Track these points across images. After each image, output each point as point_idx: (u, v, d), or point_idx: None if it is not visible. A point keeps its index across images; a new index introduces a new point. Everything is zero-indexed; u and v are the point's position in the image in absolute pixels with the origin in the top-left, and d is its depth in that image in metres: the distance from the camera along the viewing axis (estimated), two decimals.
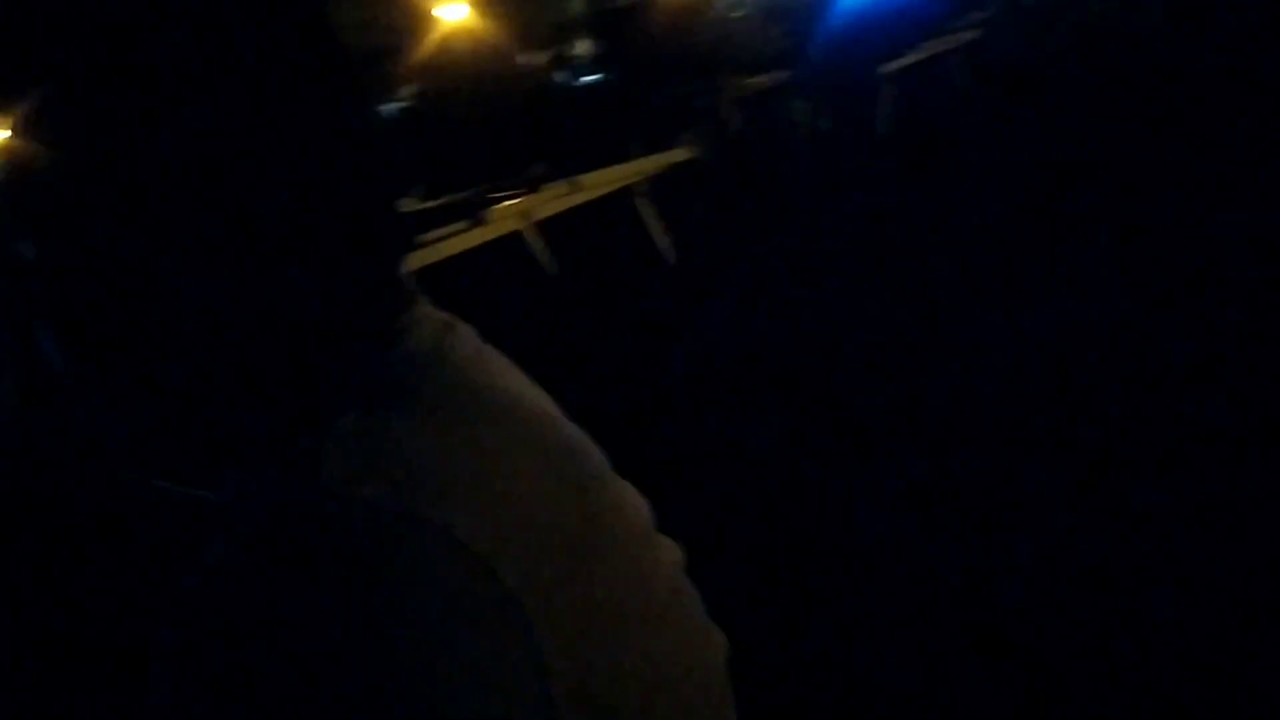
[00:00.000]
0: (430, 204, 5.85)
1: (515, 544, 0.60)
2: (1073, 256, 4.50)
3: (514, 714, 0.60)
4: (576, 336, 4.52)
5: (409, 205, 5.74)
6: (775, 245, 6.11)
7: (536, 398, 0.75)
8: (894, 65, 9.98)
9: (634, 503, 0.77)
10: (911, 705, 2.10)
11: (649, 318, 5.15)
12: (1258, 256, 3.90)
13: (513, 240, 5.56)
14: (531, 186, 5.75)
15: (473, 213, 5.23)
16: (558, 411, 0.75)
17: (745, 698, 0.81)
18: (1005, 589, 2.36)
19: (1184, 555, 2.36)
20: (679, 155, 6.53)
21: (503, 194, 5.65)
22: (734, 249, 6.30)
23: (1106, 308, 3.88)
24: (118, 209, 0.62)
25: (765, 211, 7.20)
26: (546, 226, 6.06)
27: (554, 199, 5.77)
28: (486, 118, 8.85)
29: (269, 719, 0.57)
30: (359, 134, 0.66)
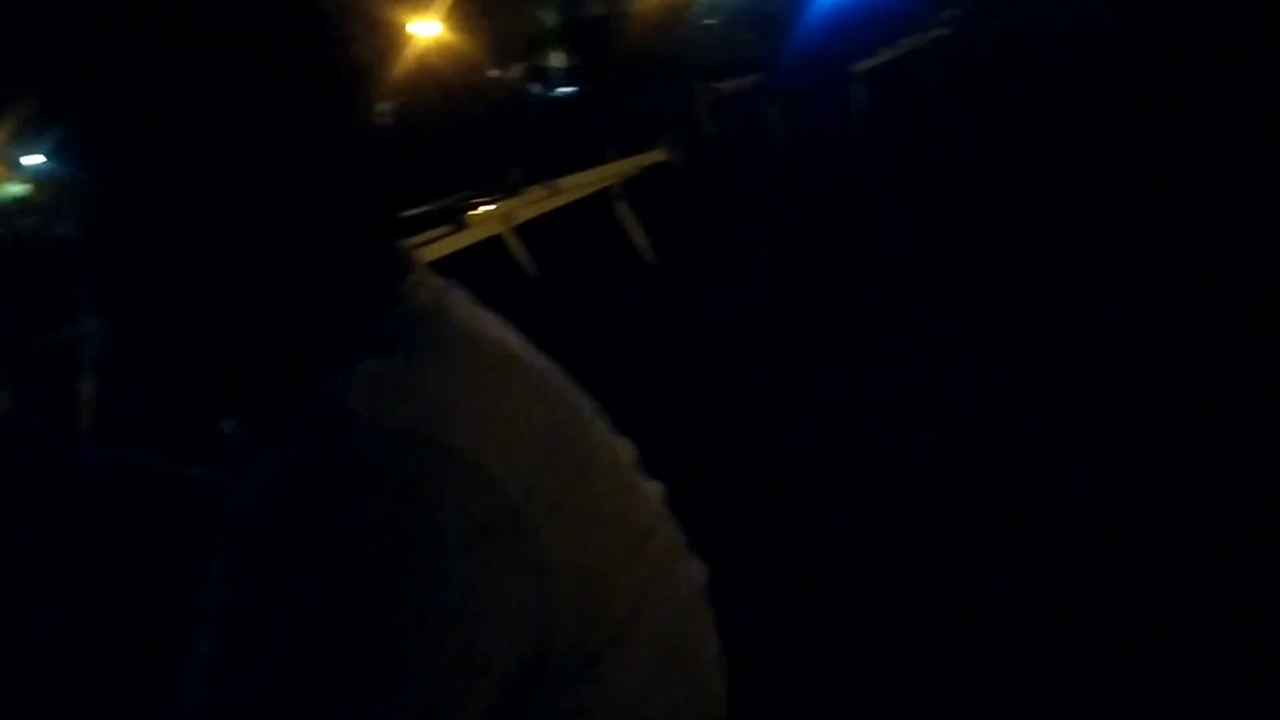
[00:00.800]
0: (410, 211, 5.93)
1: (519, 463, 0.70)
2: (1047, 254, 4.58)
3: (519, 613, 0.69)
4: (558, 337, 4.55)
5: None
6: (750, 244, 6.19)
7: (528, 348, 0.83)
8: (864, 64, 10.09)
9: (620, 440, 0.86)
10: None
11: (629, 317, 5.22)
12: (1215, 248, 4.01)
13: (493, 244, 5.63)
14: (510, 191, 5.83)
15: (453, 219, 5.31)
16: (547, 361, 0.84)
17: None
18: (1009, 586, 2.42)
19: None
20: (654, 158, 6.63)
21: (482, 200, 5.73)
22: (711, 248, 6.37)
23: (1082, 303, 3.96)
24: (154, 198, 0.71)
25: (740, 211, 7.29)
26: (526, 230, 6.14)
27: (532, 203, 5.86)
28: (463, 128, 8.94)
29: (305, 629, 0.65)
30: (359, 127, 0.76)
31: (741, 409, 3.67)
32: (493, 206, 5.65)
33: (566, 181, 5.99)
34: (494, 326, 0.82)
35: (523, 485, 0.69)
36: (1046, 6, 10.38)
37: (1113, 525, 2.55)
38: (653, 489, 0.87)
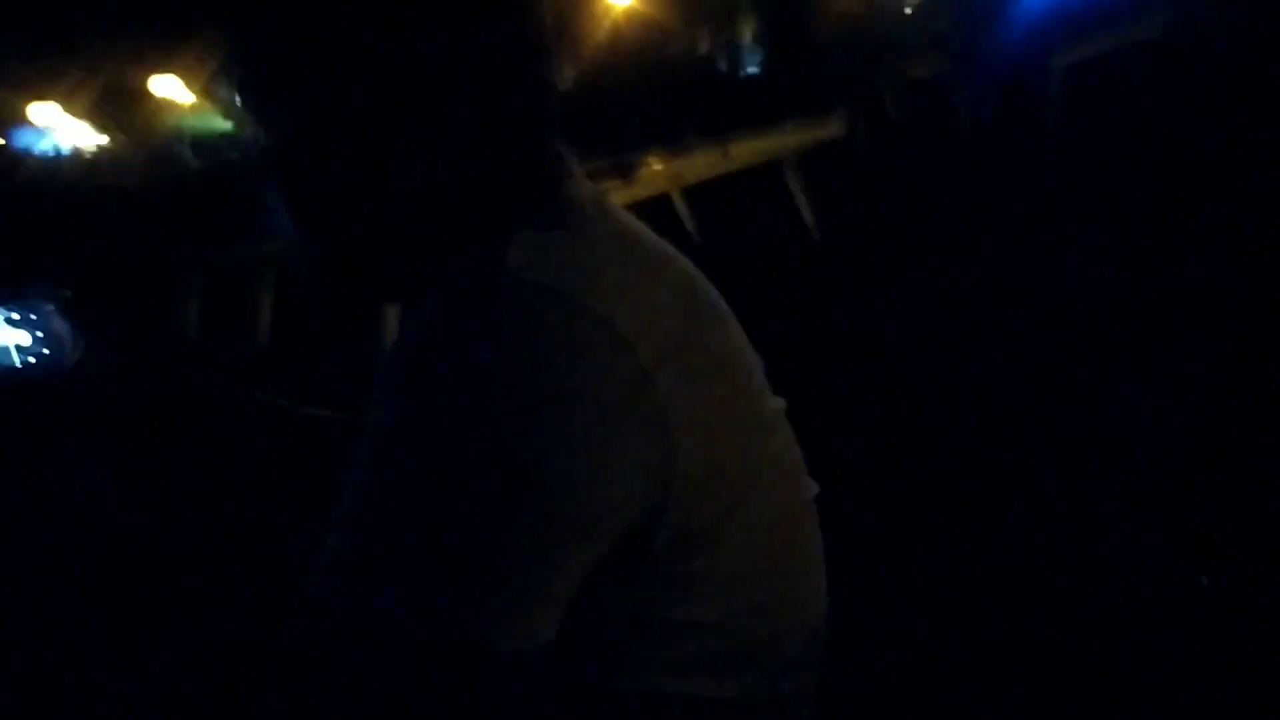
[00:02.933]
0: (585, 165, 6.05)
1: (655, 335, 0.76)
2: (1248, 260, 4.29)
3: (640, 467, 0.75)
4: None
5: None
6: (919, 230, 6.05)
7: (678, 254, 0.90)
8: (1067, 58, 9.72)
9: (752, 350, 0.91)
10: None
11: (784, 288, 5.19)
12: None
13: (661, 204, 5.70)
14: (682, 149, 5.89)
15: (623, 172, 5.40)
16: (695, 269, 0.90)
17: None
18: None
19: None
20: (830, 132, 6.55)
21: (654, 157, 5.80)
22: (877, 230, 6.27)
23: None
24: (357, 114, 0.81)
25: (914, 196, 7.13)
26: (694, 192, 6.18)
27: (702, 165, 5.90)
28: (645, 91, 9.07)
29: (441, 445, 0.72)
30: (535, 51, 0.85)
31: (887, 394, 3.63)
32: (661, 166, 5.71)
33: (738, 147, 6.00)
34: (645, 229, 0.89)
35: (656, 354, 0.75)
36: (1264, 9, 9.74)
37: None
38: (776, 401, 0.92)
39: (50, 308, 1.13)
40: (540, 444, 0.71)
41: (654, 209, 5.38)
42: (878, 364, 3.99)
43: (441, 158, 0.82)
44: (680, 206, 6.00)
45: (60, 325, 1.14)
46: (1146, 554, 2.38)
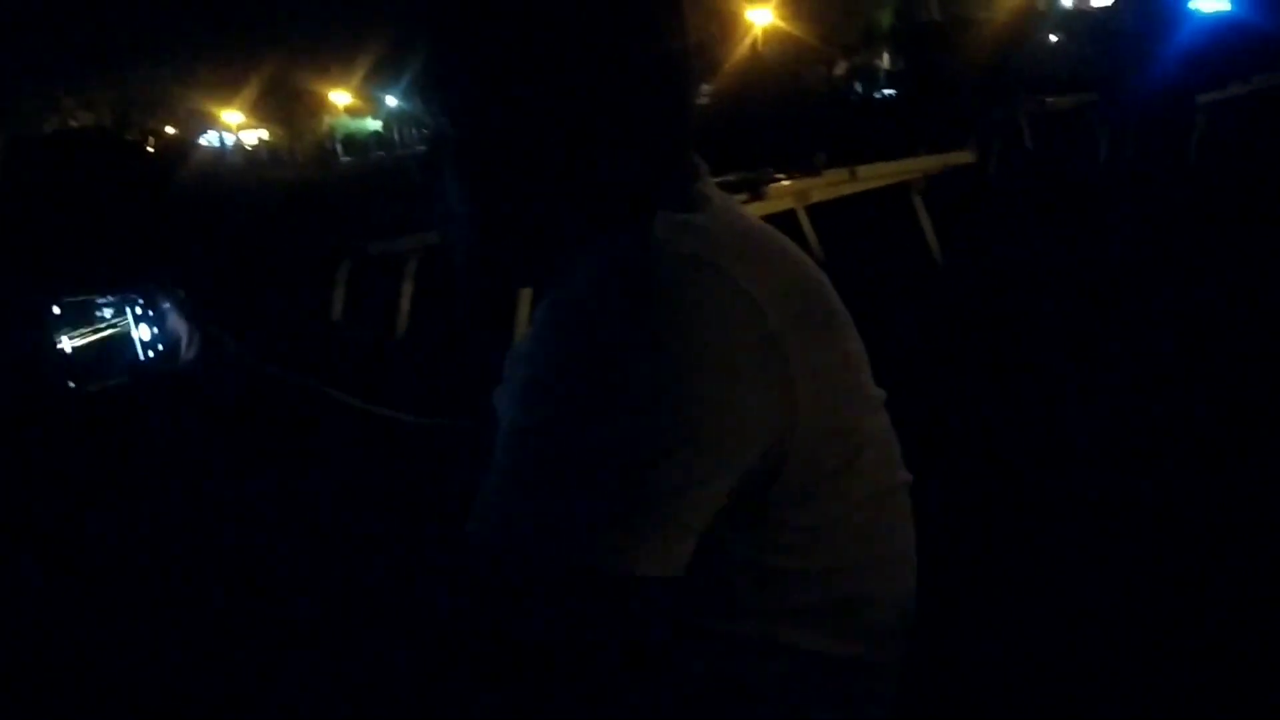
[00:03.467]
0: (715, 179, 6.20)
1: (779, 302, 0.86)
2: None
3: (764, 417, 0.84)
4: None
5: None
6: (1047, 262, 5.97)
7: (791, 243, 1.01)
8: (1211, 96, 9.48)
9: (859, 340, 1.00)
10: None
11: (905, 312, 5.19)
12: None
13: (787, 221, 5.76)
14: (811, 171, 5.98)
15: (752, 188, 5.52)
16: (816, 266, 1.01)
17: None
18: None
19: None
20: (961, 158, 6.55)
21: (782, 175, 5.91)
22: (1003, 259, 6.21)
23: None
24: (518, 122, 0.92)
25: (1043, 228, 7.06)
26: (821, 211, 6.25)
27: (829, 184, 5.98)
28: (779, 111, 9.14)
29: (589, 389, 0.81)
30: (677, 66, 0.96)
31: (1005, 423, 3.59)
32: (790, 182, 5.81)
33: (866, 169, 6.06)
34: (766, 225, 1.01)
35: (782, 320, 0.85)
36: None
37: None
38: (878, 390, 1.01)
39: (167, 305, 1.15)
40: (683, 391, 0.80)
41: (779, 224, 5.42)
42: (995, 390, 3.97)
43: (592, 153, 0.92)
44: (805, 223, 6.11)
45: (177, 323, 1.15)
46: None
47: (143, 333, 1.11)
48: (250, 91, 49.01)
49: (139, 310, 1.11)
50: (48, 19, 53.90)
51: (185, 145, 47.20)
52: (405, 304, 5.91)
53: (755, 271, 0.86)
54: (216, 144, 56.33)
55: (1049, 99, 11.25)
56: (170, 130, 50.17)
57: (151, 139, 43.81)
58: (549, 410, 0.83)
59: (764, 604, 0.91)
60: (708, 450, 0.82)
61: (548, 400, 0.83)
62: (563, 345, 0.84)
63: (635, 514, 0.81)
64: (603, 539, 0.80)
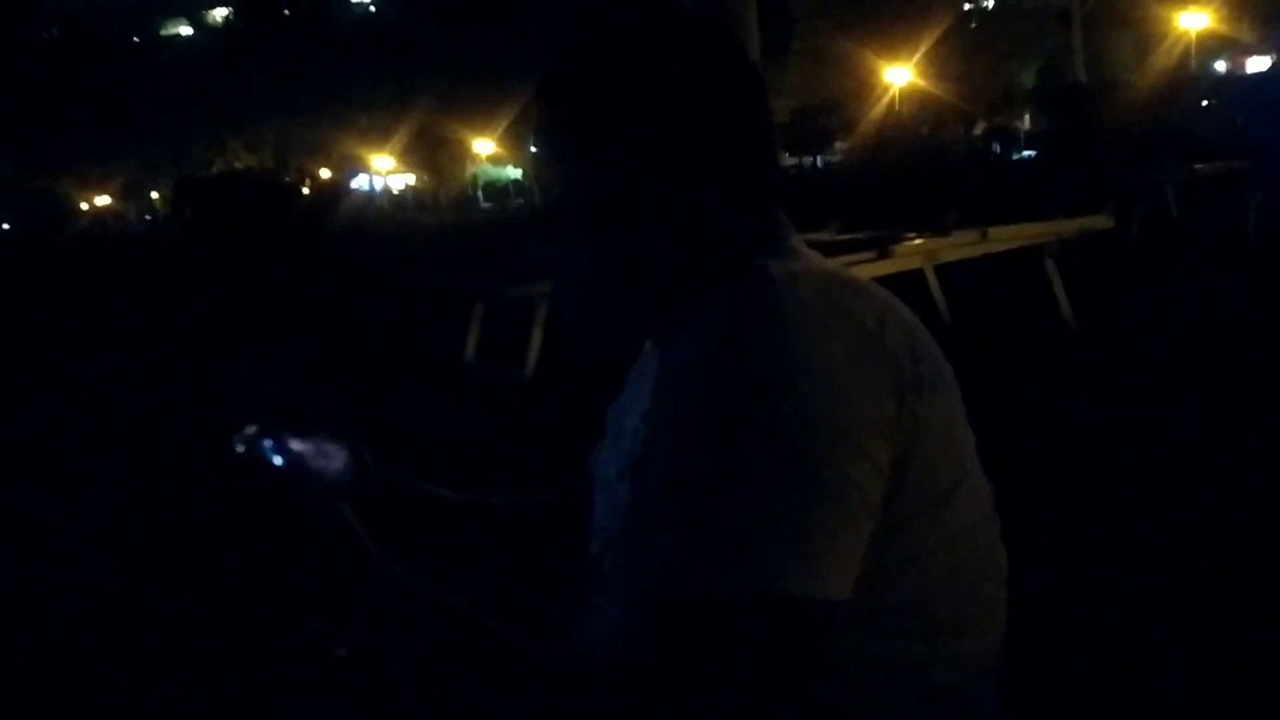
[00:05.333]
0: (842, 236, 6.24)
1: (892, 330, 0.94)
2: None
3: (887, 435, 0.90)
4: (961, 384, 4.45)
5: (824, 235, 6.14)
6: (1186, 331, 5.78)
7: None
8: None
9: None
10: None
11: (1033, 376, 5.10)
12: None
13: (914, 280, 5.73)
14: (940, 231, 5.96)
15: (881, 246, 5.53)
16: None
17: None
18: None
19: None
20: (1099, 223, 6.42)
21: (911, 234, 5.90)
22: (1139, 327, 6.04)
23: None
24: (630, 183, 1.00)
25: (1184, 296, 6.83)
26: (950, 272, 6.19)
27: (959, 245, 5.94)
28: (915, 170, 9.09)
29: (760, 440, 0.86)
30: (765, 130, 1.05)
31: (1133, 502, 3.48)
32: (919, 242, 5.80)
33: (998, 231, 6.00)
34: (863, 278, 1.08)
35: (897, 345, 0.93)
36: None
37: None
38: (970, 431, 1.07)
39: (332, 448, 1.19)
40: (832, 419, 0.87)
41: (905, 284, 5.40)
42: (1123, 463, 3.86)
43: (700, 210, 1.00)
44: (933, 283, 6.08)
45: (325, 465, 1.17)
46: None
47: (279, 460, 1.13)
48: (399, 138, 51.13)
49: (278, 457, 1.13)
50: (221, 68, 57.24)
51: (338, 188, 49.44)
52: (535, 347, 6.09)
53: (868, 307, 0.95)
54: (366, 188, 58.87)
55: (1198, 165, 10.90)
56: (325, 173, 52.65)
57: (308, 180, 46.07)
58: (704, 454, 0.87)
59: (866, 630, 0.94)
60: (860, 471, 0.88)
61: (702, 442, 0.88)
62: (708, 391, 0.89)
63: (814, 541, 0.86)
64: (786, 566, 0.85)
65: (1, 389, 7.49)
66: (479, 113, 48.62)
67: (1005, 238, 6.03)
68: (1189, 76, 28.58)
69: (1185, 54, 34.62)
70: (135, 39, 68.27)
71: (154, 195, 61.79)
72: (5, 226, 56.88)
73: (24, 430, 5.85)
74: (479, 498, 1.31)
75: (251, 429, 1.12)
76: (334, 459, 1.19)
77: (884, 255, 5.45)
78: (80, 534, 3.93)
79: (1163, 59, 33.13)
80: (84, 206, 63.84)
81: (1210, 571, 2.81)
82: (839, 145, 42.62)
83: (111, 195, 64.09)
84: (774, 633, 0.86)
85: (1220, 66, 34.13)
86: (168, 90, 57.03)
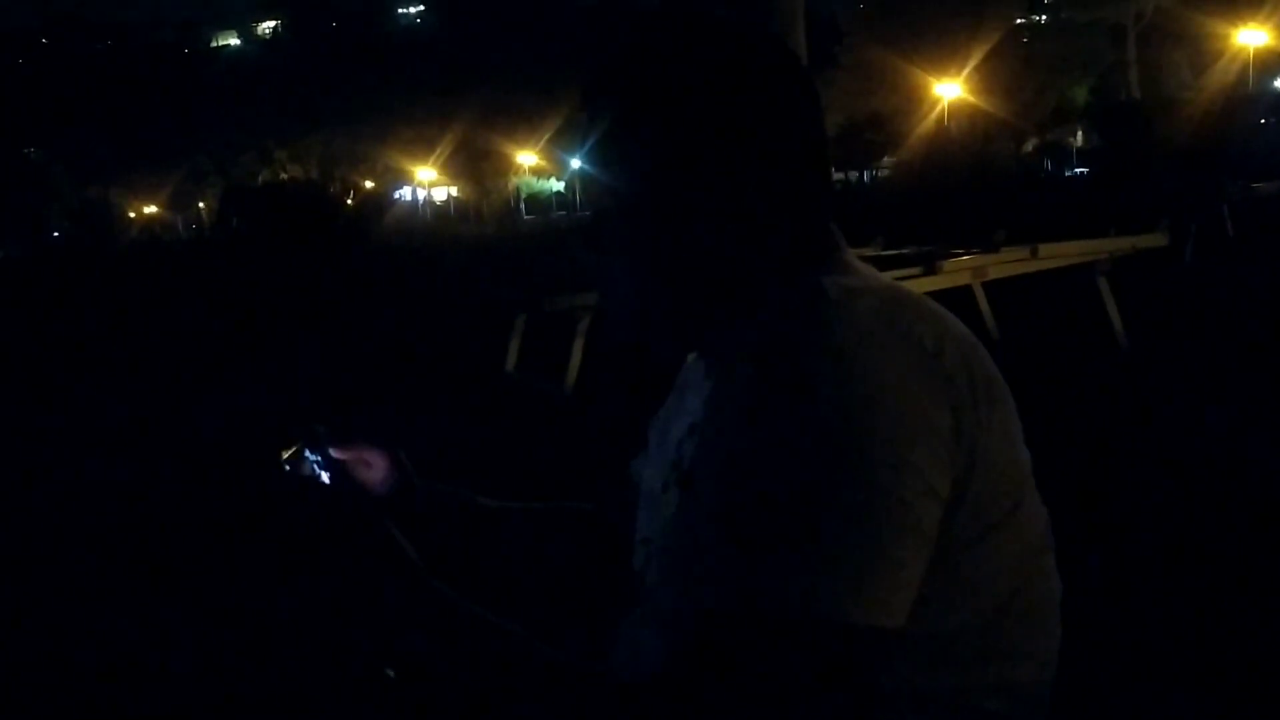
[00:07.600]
0: (887, 251, 6.15)
1: (949, 349, 0.91)
2: None
3: (955, 458, 0.88)
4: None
5: (868, 251, 6.05)
6: (1239, 351, 5.64)
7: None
8: None
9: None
10: None
11: (1082, 393, 5.01)
12: None
13: (963, 297, 5.65)
14: (989, 247, 5.86)
15: (927, 262, 5.44)
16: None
17: None
18: None
19: None
20: (1153, 241, 6.28)
21: (959, 250, 5.80)
22: (1192, 346, 5.90)
23: None
24: (677, 201, 0.98)
25: (1237, 316, 6.68)
26: (999, 289, 6.09)
27: (1009, 261, 5.83)
28: (964, 186, 9.00)
29: (817, 461, 0.84)
30: (818, 141, 1.02)
31: (1186, 526, 3.38)
32: (967, 258, 5.70)
33: (1048, 248, 5.88)
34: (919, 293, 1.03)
35: (954, 365, 0.90)
36: None
37: None
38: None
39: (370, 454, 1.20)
40: (889, 436, 0.84)
41: (953, 300, 5.31)
42: (1170, 484, 3.75)
43: (752, 223, 0.98)
44: (981, 299, 5.97)
45: (367, 474, 1.20)
46: None
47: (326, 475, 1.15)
48: (443, 150, 51.61)
49: (319, 468, 1.14)
50: (268, 80, 58.15)
51: (381, 199, 50.02)
52: (576, 358, 6.04)
53: (926, 326, 0.91)
54: (409, 199, 59.45)
55: (1255, 184, 10.70)
56: (368, 184, 53.26)
57: (351, 191, 46.63)
58: (760, 472, 0.85)
59: (918, 657, 0.91)
60: (917, 496, 0.85)
61: (762, 469, 0.85)
62: (766, 415, 0.87)
63: (873, 567, 0.84)
64: (842, 592, 0.83)
65: (56, 394, 7.62)
66: (522, 125, 48.99)
67: (1056, 255, 5.92)
68: (1246, 94, 28.11)
69: (1243, 71, 34.04)
70: (185, 50, 69.59)
71: (200, 205, 62.84)
72: (56, 234, 58.04)
73: (74, 436, 5.91)
74: (520, 505, 1.30)
75: (295, 446, 1.13)
76: (375, 467, 1.22)
77: (930, 271, 5.35)
78: (116, 542, 3.92)
79: (1220, 76, 32.59)
80: (132, 215, 65.07)
81: (1274, 600, 2.70)
82: (887, 160, 42.66)
83: (159, 205, 65.29)
84: (828, 660, 0.84)
85: (1279, 84, 33.56)
86: (216, 101, 58.05)
